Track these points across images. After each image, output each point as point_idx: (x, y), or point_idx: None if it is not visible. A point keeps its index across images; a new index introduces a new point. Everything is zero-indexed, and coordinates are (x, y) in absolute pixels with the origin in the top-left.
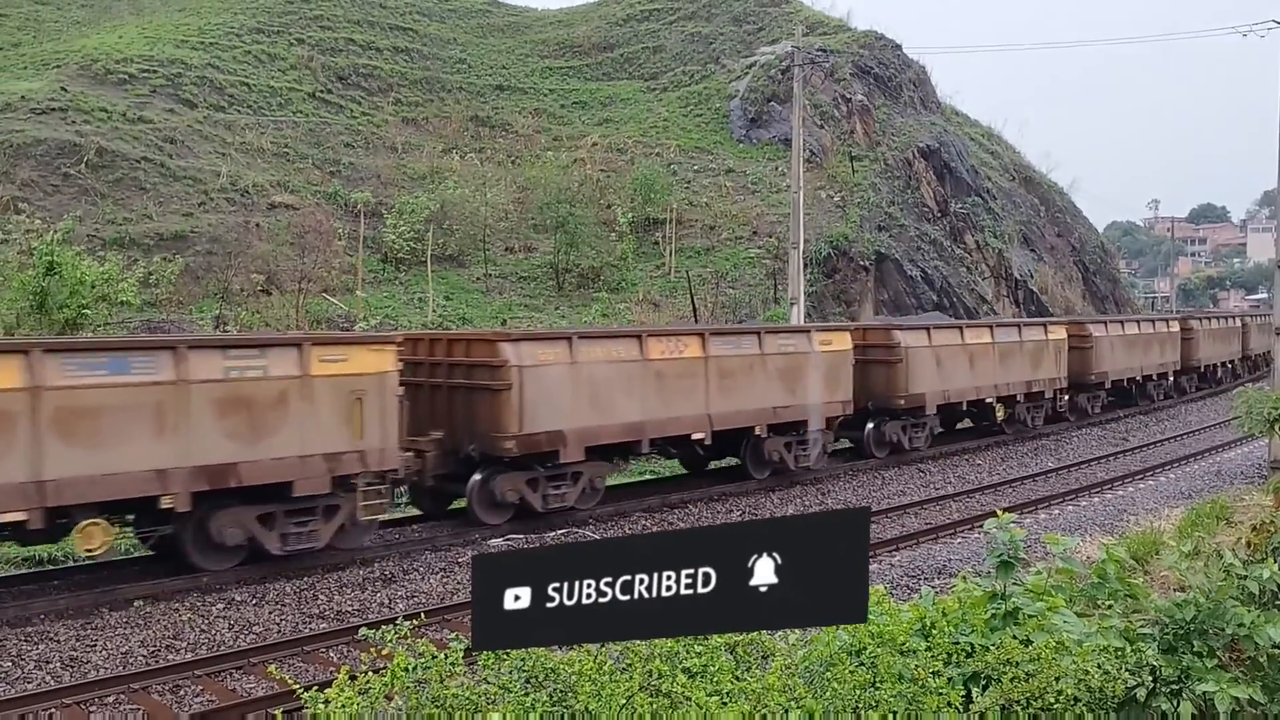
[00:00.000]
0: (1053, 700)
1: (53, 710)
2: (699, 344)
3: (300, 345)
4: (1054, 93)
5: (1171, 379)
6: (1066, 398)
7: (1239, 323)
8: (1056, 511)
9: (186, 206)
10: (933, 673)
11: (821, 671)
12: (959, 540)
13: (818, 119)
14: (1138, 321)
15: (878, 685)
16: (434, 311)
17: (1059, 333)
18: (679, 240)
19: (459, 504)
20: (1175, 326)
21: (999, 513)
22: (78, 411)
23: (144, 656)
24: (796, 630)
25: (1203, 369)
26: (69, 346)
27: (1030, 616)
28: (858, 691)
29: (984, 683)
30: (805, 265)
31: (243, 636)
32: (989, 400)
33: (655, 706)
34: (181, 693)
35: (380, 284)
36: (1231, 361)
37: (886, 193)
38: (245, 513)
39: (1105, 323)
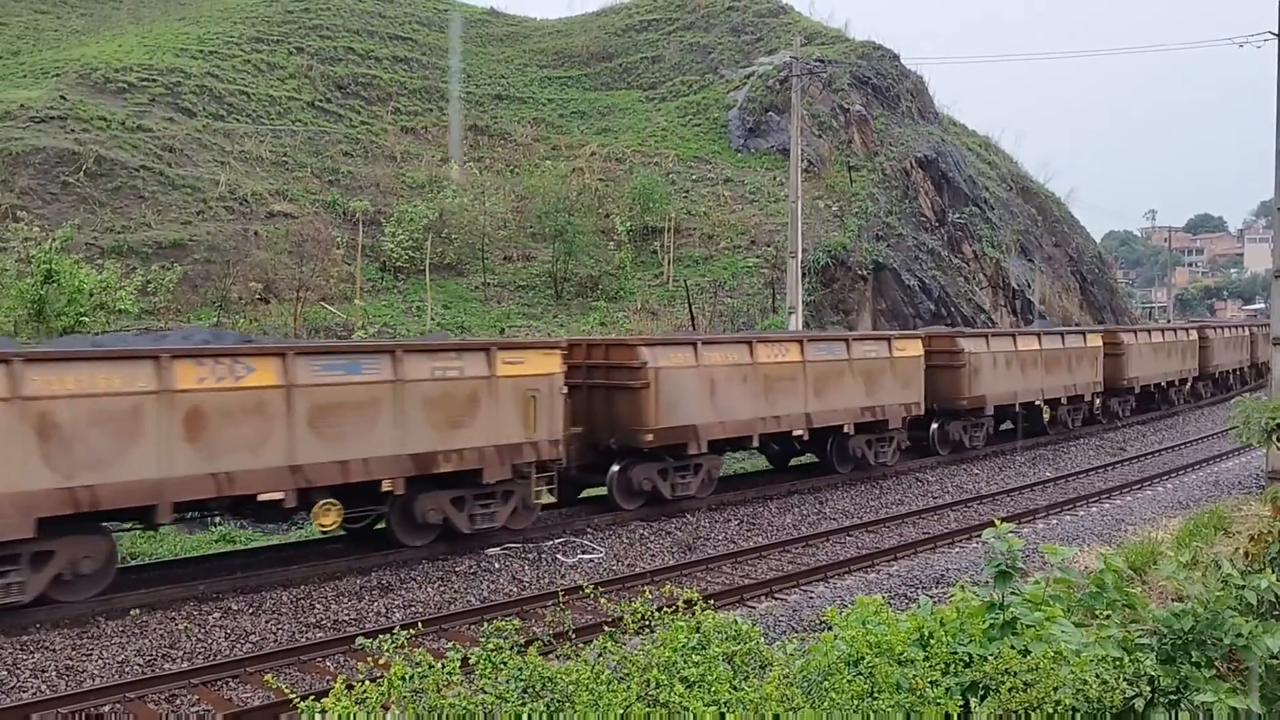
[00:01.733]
0: (1050, 710)
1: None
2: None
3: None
4: (1051, 103)
5: (904, 429)
6: (657, 470)
7: (1088, 341)
8: (1054, 521)
9: (185, 215)
10: (930, 682)
11: (819, 681)
12: (957, 550)
13: (815, 129)
14: (797, 342)
15: (875, 695)
16: (431, 320)
17: (637, 357)
18: (677, 249)
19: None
20: (880, 349)
21: (997, 522)
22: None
23: (140, 665)
24: (794, 640)
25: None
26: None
27: (1028, 626)
28: (856, 701)
29: (982, 693)
30: (803, 274)
31: (239, 646)
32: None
33: (653, 716)
34: (178, 702)
35: (379, 293)
36: (1069, 399)
37: (884, 202)
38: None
39: (696, 344)
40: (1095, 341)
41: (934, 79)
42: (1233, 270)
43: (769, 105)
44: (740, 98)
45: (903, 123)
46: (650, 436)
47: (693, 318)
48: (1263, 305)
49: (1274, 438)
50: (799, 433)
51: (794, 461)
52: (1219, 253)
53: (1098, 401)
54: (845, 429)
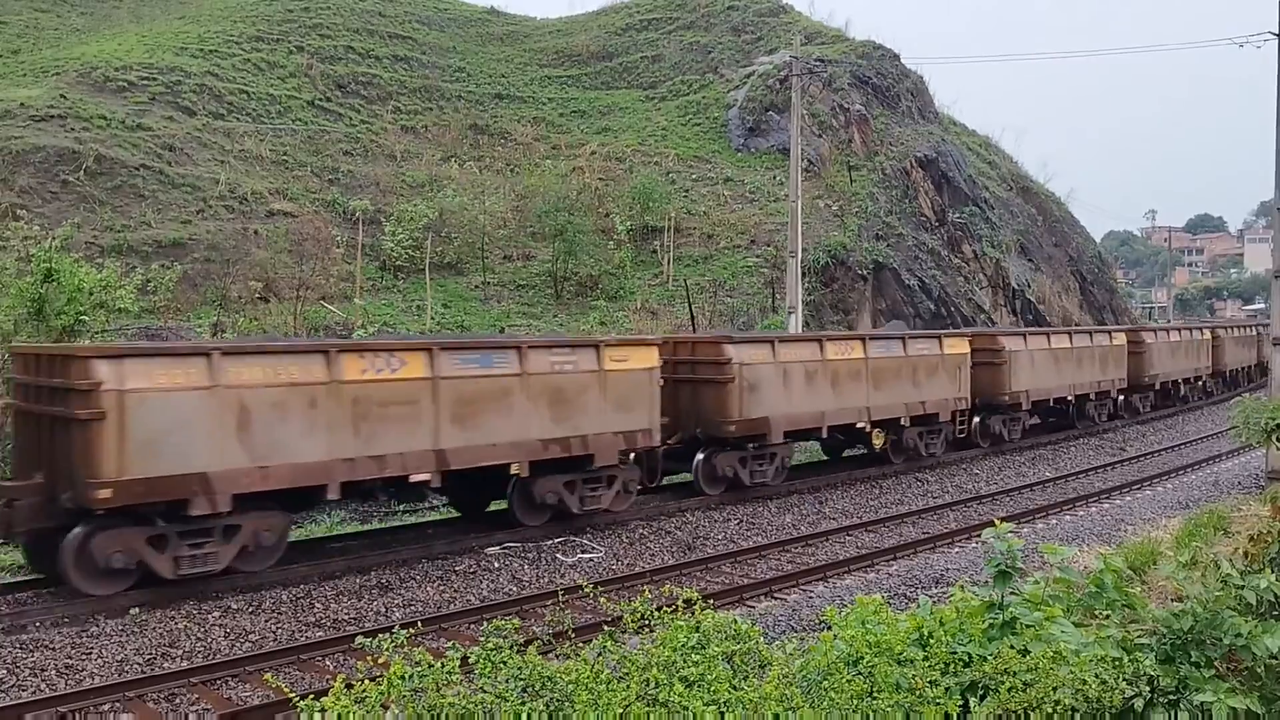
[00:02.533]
0: (1050, 710)
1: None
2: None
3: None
4: (1052, 103)
5: None
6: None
7: (945, 347)
8: (1054, 521)
9: (185, 214)
10: (930, 682)
11: (819, 681)
12: (957, 550)
13: (815, 128)
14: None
15: (875, 695)
16: (431, 319)
17: (88, 376)
18: (677, 249)
19: None
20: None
21: (997, 522)
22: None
23: (139, 664)
24: (794, 639)
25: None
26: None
27: (1028, 626)
28: (855, 701)
29: (981, 692)
30: (803, 274)
31: (239, 645)
32: None
33: (653, 716)
34: (177, 701)
35: (378, 292)
36: (915, 419)
37: (884, 202)
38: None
39: (211, 355)
40: (957, 348)
41: (934, 79)
42: (1233, 270)
43: (769, 105)
44: (740, 97)
45: (903, 122)
46: (108, 493)
47: (692, 317)
48: (1263, 305)
49: (1274, 438)
50: (423, 478)
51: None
52: (1219, 253)
53: (974, 421)
54: (517, 470)
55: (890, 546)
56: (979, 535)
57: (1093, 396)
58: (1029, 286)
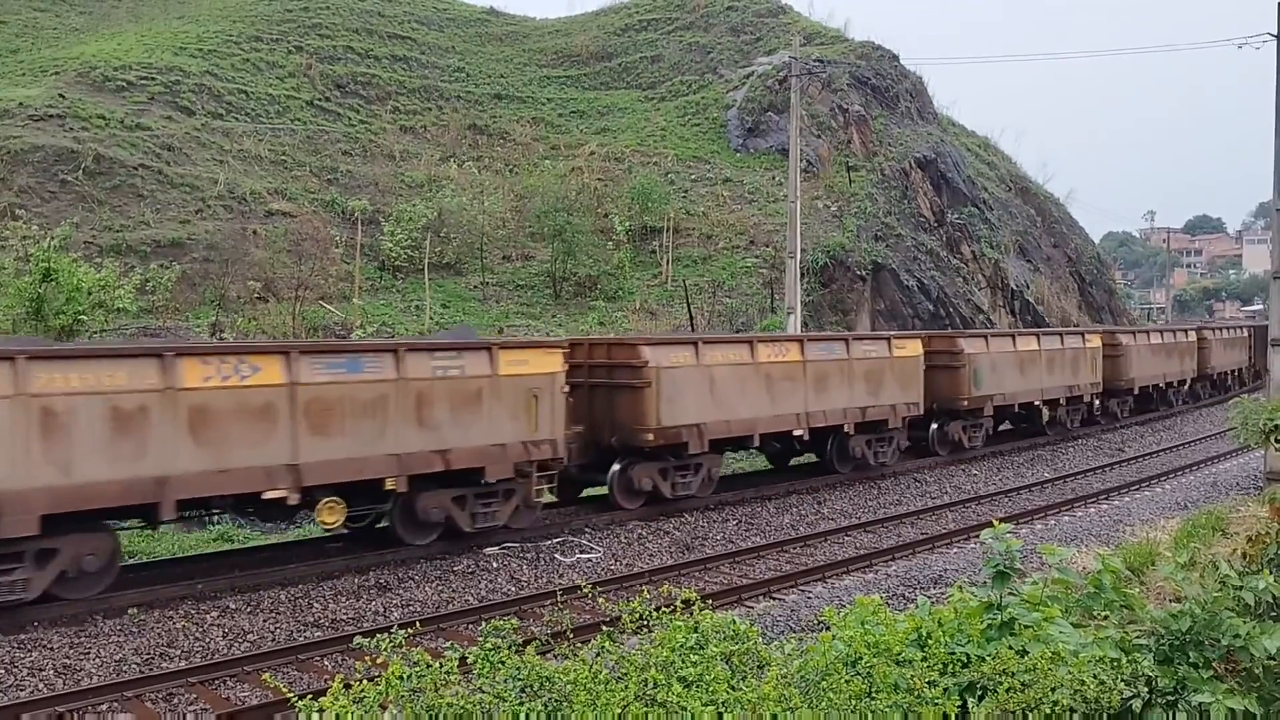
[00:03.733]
0: (1048, 711)
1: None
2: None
3: None
4: (1051, 104)
5: None
6: None
7: (501, 364)
8: (1053, 522)
9: (184, 214)
10: (928, 683)
11: (817, 681)
12: (955, 550)
13: (814, 129)
14: None
15: (873, 695)
16: (430, 319)
17: None
18: (676, 249)
19: None
20: None
21: (995, 523)
22: None
23: (138, 664)
24: (792, 640)
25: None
26: None
27: (1026, 627)
28: (853, 701)
29: (980, 693)
30: (802, 275)
31: (237, 645)
32: None
33: (651, 716)
34: (175, 701)
35: (377, 292)
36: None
37: (883, 203)
38: None
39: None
40: (536, 365)
41: (933, 80)
42: (1231, 271)
43: (768, 105)
44: (739, 98)
45: (902, 123)
46: None
47: (691, 318)
48: (1260, 306)
49: (1272, 439)
50: None
51: None
52: (1217, 254)
53: (613, 471)
54: None
55: (889, 547)
56: (977, 536)
57: (850, 430)
58: (1028, 287)
